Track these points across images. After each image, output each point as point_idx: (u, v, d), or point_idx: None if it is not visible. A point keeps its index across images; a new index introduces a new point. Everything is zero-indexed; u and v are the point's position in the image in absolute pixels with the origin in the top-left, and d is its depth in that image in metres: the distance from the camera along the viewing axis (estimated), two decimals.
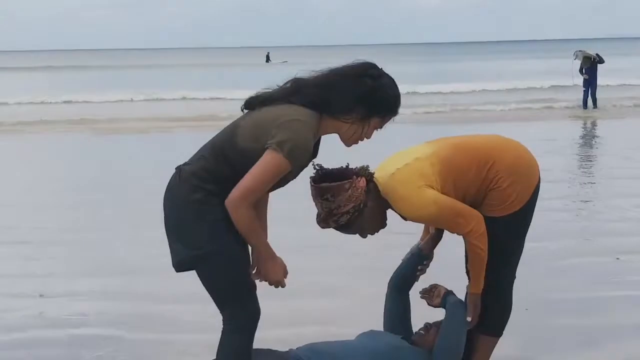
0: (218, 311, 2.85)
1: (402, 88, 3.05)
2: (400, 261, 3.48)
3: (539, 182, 3.25)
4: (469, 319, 3.18)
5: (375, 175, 3.17)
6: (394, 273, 3.48)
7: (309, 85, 2.85)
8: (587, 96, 18.40)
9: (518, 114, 17.85)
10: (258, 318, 2.83)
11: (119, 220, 7.09)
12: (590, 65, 18.18)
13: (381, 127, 2.96)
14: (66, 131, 15.53)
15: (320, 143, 2.99)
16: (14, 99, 22.53)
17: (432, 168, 3.09)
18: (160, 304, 4.62)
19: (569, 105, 19.04)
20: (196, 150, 2.89)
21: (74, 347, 4.00)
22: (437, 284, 3.32)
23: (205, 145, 2.87)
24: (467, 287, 3.23)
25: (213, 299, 2.83)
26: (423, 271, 3.42)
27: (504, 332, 3.34)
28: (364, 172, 3.14)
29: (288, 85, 2.88)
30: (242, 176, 2.71)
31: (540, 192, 3.24)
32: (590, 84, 18.36)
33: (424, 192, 3.04)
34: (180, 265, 2.81)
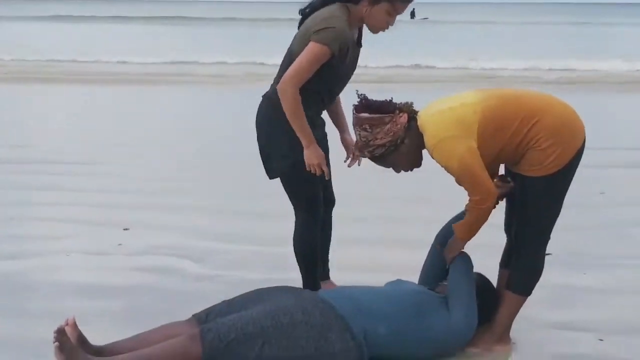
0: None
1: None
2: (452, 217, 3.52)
3: (581, 148, 3.16)
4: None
5: (419, 113, 3.19)
6: (442, 228, 3.52)
7: None
8: None
9: None
10: (319, 216, 3.53)
11: (217, 164, 7.44)
12: None
13: (397, 13, 3.38)
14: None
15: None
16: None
17: (474, 116, 3.07)
18: (235, 243, 4.86)
19: None
20: None
21: (146, 273, 4.30)
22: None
23: (278, 72, 3.46)
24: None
25: (291, 198, 3.53)
26: None
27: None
28: (407, 109, 3.19)
29: None
30: (309, 84, 3.30)
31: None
32: None
33: (454, 144, 3.03)
34: (273, 172, 3.50)
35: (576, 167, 3.19)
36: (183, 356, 2.93)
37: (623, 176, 6.97)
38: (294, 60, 3.35)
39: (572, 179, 3.20)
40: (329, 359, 2.98)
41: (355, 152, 3.27)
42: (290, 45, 3.44)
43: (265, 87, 3.57)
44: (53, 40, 28.13)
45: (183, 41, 29.46)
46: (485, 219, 3.15)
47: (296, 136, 3.36)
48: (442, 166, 3.11)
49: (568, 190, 3.22)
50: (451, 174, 3.12)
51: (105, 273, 4.33)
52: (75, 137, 8.97)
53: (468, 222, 3.19)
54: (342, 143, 3.83)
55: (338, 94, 3.64)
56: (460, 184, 3.13)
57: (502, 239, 3.50)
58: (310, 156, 3.39)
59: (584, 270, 4.41)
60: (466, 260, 3.33)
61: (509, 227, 3.43)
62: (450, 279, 3.28)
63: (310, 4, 3.46)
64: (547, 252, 4.40)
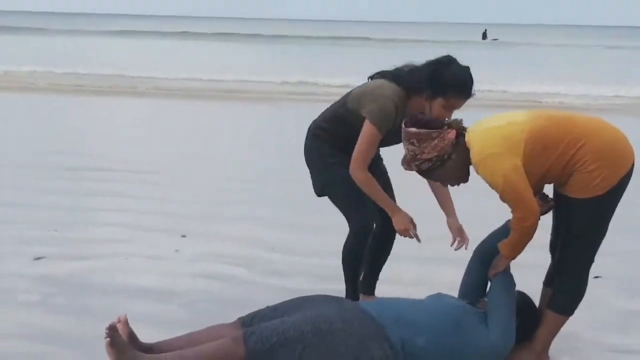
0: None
1: None
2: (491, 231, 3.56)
3: (630, 171, 3.17)
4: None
5: (467, 130, 3.24)
6: (480, 243, 3.56)
7: (406, 69, 3.60)
8: None
9: None
10: (367, 228, 3.66)
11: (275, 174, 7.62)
12: None
13: (453, 108, 3.44)
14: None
15: None
16: None
17: (521, 134, 3.10)
18: (284, 253, 5.03)
19: None
20: None
21: (199, 279, 4.48)
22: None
23: (329, 107, 3.80)
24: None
25: (341, 212, 3.75)
26: None
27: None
28: (456, 125, 3.24)
29: (399, 66, 3.65)
30: (349, 128, 3.61)
31: None
32: None
33: (499, 160, 3.07)
34: (317, 192, 3.83)
35: (623, 191, 3.19)
36: (227, 357, 3.04)
37: None
38: (347, 101, 3.65)
39: (618, 202, 3.20)
40: None
41: (403, 165, 3.35)
42: (346, 95, 3.70)
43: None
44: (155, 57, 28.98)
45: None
46: (530, 237, 3.17)
47: (328, 159, 3.71)
48: (486, 182, 3.15)
49: (625, 216, 3.22)
50: (495, 190, 3.15)
51: (161, 277, 4.52)
52: (144, 148, 9.30)
53: (513, 241, 3.23)
54: (448, 226, 3.88)
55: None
56: (503, 201, 3.17)
57: (544, 259, 3.53)
58: (397, 223, 3.63)
59: (636, 294, 4.38)
60: (508, 277, 3.37)
61: (554, 247, 3.45)
62: (490, 295, 3.32)
63: (380, 73, 3.67)
64: (597, 275, 4.44)
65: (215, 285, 4.40)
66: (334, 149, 3.72)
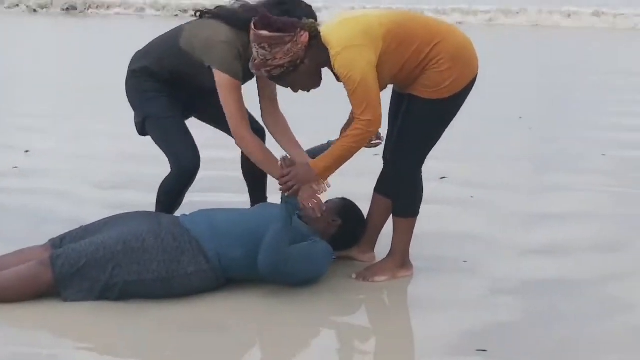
0: None
1: None
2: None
3: (475, 78, 3.20)
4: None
5: (321, 29, 3.07)
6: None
7: (241, 9, 3.26)
8: None
9: None
10: (188, 170, 3.33)
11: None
12: None
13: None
14: None
15: None
16: None
17: (380, 29, 3.04)
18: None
19: None
20: None
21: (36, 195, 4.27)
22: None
23: (153, 42, 3.41)
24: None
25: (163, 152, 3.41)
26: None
27: None
28: (310, 27, 3.04)
29: (235, 5, 3.32)
30: (184, 67, 3.26)
31: None
32: None
33: (358, 53, 2.99)
34: (138, 131, 3.46)
35: (464, 100, 3.21)
36: (34, 281, 2.92)
37: None
38: (175, 47, 3.27)
39: (458, 110, 3.23)
40: (184, 281, 2.99)
41: (252, 69, 3.09)
42: (177, 32, 3.33)
43: None
44: None
45: None
46: (360, 147, 3.07)
47: (149, 94, 3.34)
48: (342, 77, 3.01)
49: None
50: (348, 86, 3.01)
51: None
52: None
53: (346, 146, 3.06)
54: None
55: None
56: (352, 98, 3.03)
57: (376, 167, 3.47)
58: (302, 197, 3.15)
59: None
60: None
61: (387, 153, 3.39)
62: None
63: (211, 12, 3.31)
64: (443, 176, 4.46)
65: (51, 201, 4.19)
66: (158, 83, 3.35)
